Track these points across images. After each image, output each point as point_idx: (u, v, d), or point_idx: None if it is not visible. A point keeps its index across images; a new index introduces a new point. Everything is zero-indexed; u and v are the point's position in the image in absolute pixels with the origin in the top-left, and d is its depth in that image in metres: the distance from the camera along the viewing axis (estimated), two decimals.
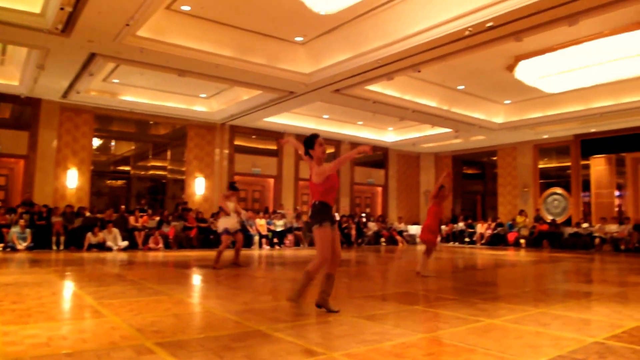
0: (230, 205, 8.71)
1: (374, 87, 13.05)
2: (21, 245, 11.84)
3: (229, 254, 9.40)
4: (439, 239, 7.82)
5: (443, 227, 20.85)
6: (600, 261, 11.69)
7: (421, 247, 17.31)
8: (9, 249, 11.64)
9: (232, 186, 9.08)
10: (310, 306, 4.47)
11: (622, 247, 15.11)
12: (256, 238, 15.27)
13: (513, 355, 3.03)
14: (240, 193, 18.03)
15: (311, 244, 16.71)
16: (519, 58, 11.50)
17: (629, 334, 3.67)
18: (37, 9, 8.73)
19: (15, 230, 11.93)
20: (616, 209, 17.38)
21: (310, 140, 4.66)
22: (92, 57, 10.53)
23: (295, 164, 18.84)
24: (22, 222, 12.00)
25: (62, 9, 8.04)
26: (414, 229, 20.70)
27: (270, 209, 17.22)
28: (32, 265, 8.74)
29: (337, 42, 10.70)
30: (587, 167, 17.92)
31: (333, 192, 4.55)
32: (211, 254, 12.28)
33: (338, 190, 4.68)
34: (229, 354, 2.98)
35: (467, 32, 8.67)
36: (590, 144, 17.62)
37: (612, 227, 15.71)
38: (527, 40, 9.42)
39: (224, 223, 8.62)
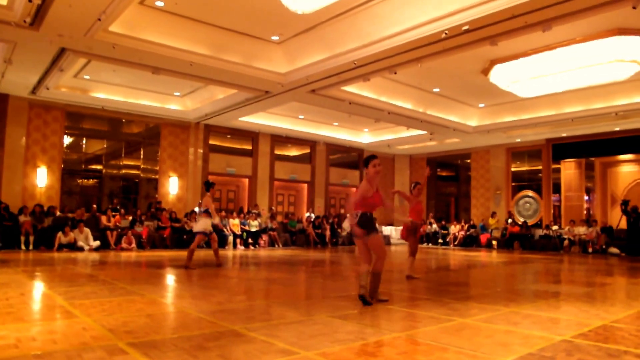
0: (212, 206, 8.67)
1: (350, 88, 13.11)
2: None
3: (201, 254, 9.30)
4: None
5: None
6: (568, 262, 12.01)
7: (398, 249, 17.51)
8: None
9: (212, 185, 8.93)
10: (282, 305, 4.46)
11: (590, 249, 15.56)
12: (230, 238, 15.16)
13: (484, 354, 3.08)
14: (215, 193, 17.89)
15: (285, 244, 16.68)
16: (494, 62, 11.71)
17: (595, 332, 3.78)
18: (3, 0, 8.40)
19: None
20: (585, 212, 17.89)
21: (366, 160, 5.33)
22: (62, 52, 10.24)
23: (270, 164, 18.78)
24: None
25: (30, 1, 7.77)
26: (388, 230, 20.91)
27: (245, 209, 17.11)
28: None
29: (313, 42, 10.70)
30: (557, 170, 18.40)
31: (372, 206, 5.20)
32: (185, 253, 12.14)
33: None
34: (203, 353, 2.95)
35: (443, 35, 8.78)
36: (561, 148, 18.10)
37: (581, 230, 16.15)
38: (502, 45, 9.59)
39: (203, 224, 8.52)
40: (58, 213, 13.55)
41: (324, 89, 12.49)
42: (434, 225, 20.36)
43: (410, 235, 7.61)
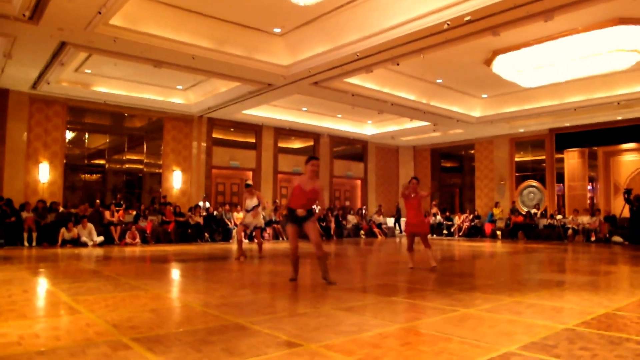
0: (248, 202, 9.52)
1: (353, 80, 13.04)
2: None
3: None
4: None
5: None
6: (572, 251, 12.00)
7: (404, 241, 17.50)
8: None
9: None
10: (286, 298, 4.46)
11: (593, 238, 15.54)
12: (234, 232, 15.16)
13: (488, 343, 3.09)
14: (219, 187, 17.90)
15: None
16: (496, 52, 11.64)
17: (597, 321, 3.80)
18: None
19: None
20: (588, 201, 17.84)
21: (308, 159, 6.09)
22: (62, 46, 10.17)
23: (274, 157, 18.77)
24: None
25: None
26: (392, 222, 20.91)
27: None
28: (2, 262, 8.46)
29: (315, 34, 10.64)
30: (561, 160, 18.35)
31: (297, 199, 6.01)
32: (189, 248, 12.18)
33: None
34: (207, 347, 2.95)
35: (445, 26, 8.72)
36: (564, 138, 18.06)
37: (584, 219, 16.12)
38: (504, 35, 9.53)
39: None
40: (61, 209, 13.55)
41: (326, 81, 12.43)
42: (439, 217, 20.36)
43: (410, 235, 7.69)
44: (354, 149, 21.86)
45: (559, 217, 17.18)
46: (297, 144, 20.36)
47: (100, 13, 8.36)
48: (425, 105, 15.31)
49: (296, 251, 6.09)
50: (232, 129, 18.16)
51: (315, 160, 6.03)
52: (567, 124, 17.32)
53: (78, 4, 8.10)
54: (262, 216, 10.03)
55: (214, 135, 17.39)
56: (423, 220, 7.68)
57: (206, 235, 14.79)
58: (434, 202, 21.06)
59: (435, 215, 20.45)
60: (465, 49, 10.90)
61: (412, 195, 7.48)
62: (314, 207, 6.18)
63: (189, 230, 14.48)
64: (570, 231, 16.16)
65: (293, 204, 6.01)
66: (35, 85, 12.98)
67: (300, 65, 11.49)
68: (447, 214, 20.38)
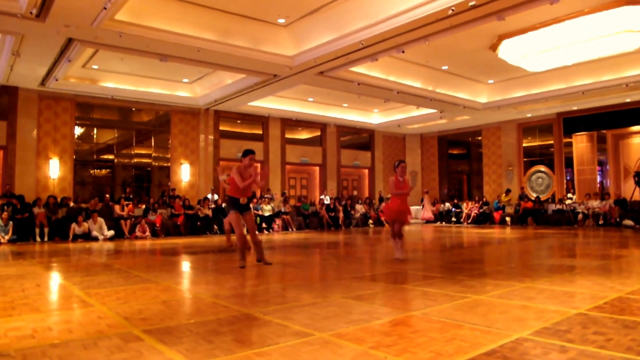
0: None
1: (359, 69, 12.98)
2: (3, 238, 11.61)
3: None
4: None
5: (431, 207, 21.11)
6: (583, 236, 11.92)
7: (409, 229, 17.49)
8: None
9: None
10: (296, 288, 4.48)
11: (601, 221, 15.44)
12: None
13: (499, 329, 3.08)
14: (227, 179, 17.92)
15: (299, 227, 16.78)
16: (502, 37, 11.52)
17: (610, 305, 3.76)
18: None
19: None
20: (598, 185, 17.68)
21: (245, 152, 6.72)
22: (69, 42, 10.24)
23: (281, 148, 18.77)
24: (4, 214, 11.78)
25: None
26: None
27: (258, 194, 17.16)
28: (15, 257, 8.60)
29: (320, 24, 10.58)
30: (569, 144, 18.18)
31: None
32: (199, 240, 12.26)
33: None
34: (218, 338, 2.98)
35: (450, 12, 8.62)
36: (572, 122, 17.88)
37: (594, 203, 16.00)
38: (509, 19, 9.41)
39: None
40: (72, 204, 13.71)
41: (332, 70, 12.37)
42: (447, 204, 20.33)
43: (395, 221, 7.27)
44: (360, 138, 21.80)
45: (568, 201, 17.05)
46: (304, 135, 20.34)
47: (105, 8, 8.38)
48: (431, 92, 15.21)
49: (244, 237, 6.58)
50: (238, 121, 18.17)
51: (251, 154, 6.66)
52: (575, 108, 17.14)
53: (84, 0, 8.11)
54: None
55: (221, 127, 17.41)
56: (408, 209, 7.35)
57: (215, 227, 14.86)
58: (425, 191, 21.01)
59: (443, 202, 20.42)
60: (470, 35, 10.80)
61: (401, 180, 7.10)
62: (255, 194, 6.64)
63: (198, 223, 14.57)
64: (580, 216, 16.06)
65: (235, 193, 6.57)
66: (43, 82, 13.08)
67: (305, 55, 11.45)
68: (455, 201, 20.31)
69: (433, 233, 14.39)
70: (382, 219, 17.88)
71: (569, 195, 17.22)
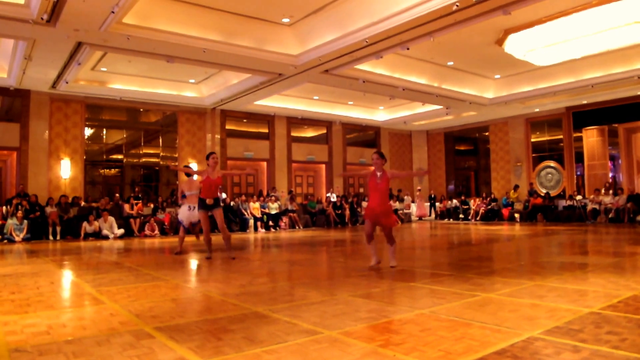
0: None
1: (363, 67, 12.96)
2: (18, 236, 11.83)
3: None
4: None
5: (437, 204, 21.06)
6: (594, 233, 11.79)
7: (417, 225, 17.47)
8: (5, 241, 11.66)
9: None
10: (304, 286, 4.50)
11: (611, 215, 15.19)
12: (251, 221, 15.31)
13: (509, 328, 3.04)
14: (234, 178, 18.02)
15: (306, 225, 16.82)
16: (508, 31, 11.44)
17: (625, 304, 3.67)
18: None
19: (12, 222, 11.93)
20: (610, 180, 17.46)
21: (207, 155, 7.34)
22: (78, 46, 10.43)
23: (287, 146, 18.81)
24: (19, 213, 12.01)
25: None
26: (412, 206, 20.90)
27: (264, 193, 17.23)
28: (29, 255, 8.73)
29: (324, 22, 10.59)
30: (579, 139, 17.97)
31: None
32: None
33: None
34: (227, 335, 3.01)
35: (455, 7, 8.58)
36: (582, 116, 17.66)
37: (606, 199, 15.77)
38: (515, 14, 9.35)
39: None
40: (83, 203, 13.91)
41: (337, 68, 12.38)
42: (454, 201, 20.26)
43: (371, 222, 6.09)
44: (366, 136, 21.78)
45: (578, 197, 16.87)
46: (310, 133, 20.36)
47: (113, 12, 8.53)
48: (436, 88, 15.16)
49: (209, 233, 7.28)
50: (244, 120, 18.23)
51: (213, 154, 7.17)
52: (585, 102, 16.95)
53: (92, 4, 8.26)
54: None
55: (227, 126, 17.49)
56: (390, 208, 6.14)
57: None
58: (417, 189, 20.92)
59: (451, 199, 20.36)
60: (475, 30, 10.75)
61: (378, 174, 6.06)
62: (221, 195, 6.74)
63: None
64: (589, 209, 15.83)
65: (203, 194, 7.12)
66: (54, 85, 13.31)
67: (310, 54, 11.46)
68: (463, 197, 20.25)
69: (440, 230, 14.37)
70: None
71: (578, 196, 16.99)
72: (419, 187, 20.97)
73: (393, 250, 6.11)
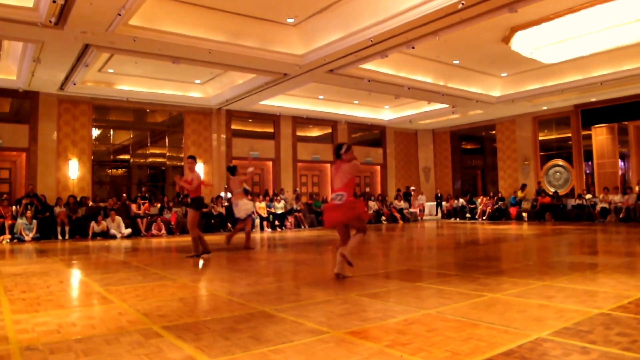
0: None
1: (368, 66, 12.94)
2: (28, 236, 11.95)
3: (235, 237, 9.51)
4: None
5: (444, 203, 20.99)
6: (604, 232, 11.65)
7: (422, 225, 17.42)
8: (15, 240, 11.79)
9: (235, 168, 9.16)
10: (310, 286, 4.50)
11: (622, 215, 15.00)
12: (257, 221, 15.34)
13: (518, 329, 3.01)
14: (240, 177, 18.03)
15: (311, 225, 16.82)
16: (514, 29, 11.37)
17: (635, 305, 3.61)
18: (29, 3, 8.73)
19: (21, 221, 12.05)
20: (620, 179, 17.25)
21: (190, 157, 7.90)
22: (86, 48, 10.53)
23: (292, 145, 18.83)
24: (28, 213, 12.14)
25: (54, 1, 8.05)
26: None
27: (270, 192, 17.26)
28: (39, 255, 8.82)
29: (328, 22, 10.59)
30: (588, 137, 17.78)
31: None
32: (213, 238, 12.36)
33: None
34: (234, 335, 3.03)
35: (460, 5, 8.55)
36: (590, 114, 17.47)
37: (616, 198, 15.57)
38: (522, 11, 9.30)
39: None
40: (90, 203, 14.03)
41: (341, 68, 12.38)
42: (461, 200, 20.19)
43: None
44: (372, 135, 21.76)
45: (588, 196, 16.69)
46: (315, 132, 20.36)
47: (120, 15, 8.61)
48: (442, 87, 15.11)
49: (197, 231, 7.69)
50: (250, 120, 18.28)
51: (190, 158, 7.72)
52: (594, 99, 16.80)
53: (99, 7, 8.34)
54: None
55: (233, 126, 17.54)
56: (353, 202, 5.33)
57: (229, 225, 14.97)
58: (412, 188, 20.76)
59: (457, 197, 20.27)
60: (481, 28, 10.70)
61: (341, 167, 5.65)
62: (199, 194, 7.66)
63: (212, 221, 14.70)
64: (598, 208, 15.68)
65: (195, 193, 7.61)
66: (62, 86, 13.45)
67: (314, 53, 11.47)
68: (469, 197, 20.17)
69: (447, 229, 14.32)
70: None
71: (587, 195, 16.80)
72: (412, 187, 20.90)
73: (355, 244, 5.28)
